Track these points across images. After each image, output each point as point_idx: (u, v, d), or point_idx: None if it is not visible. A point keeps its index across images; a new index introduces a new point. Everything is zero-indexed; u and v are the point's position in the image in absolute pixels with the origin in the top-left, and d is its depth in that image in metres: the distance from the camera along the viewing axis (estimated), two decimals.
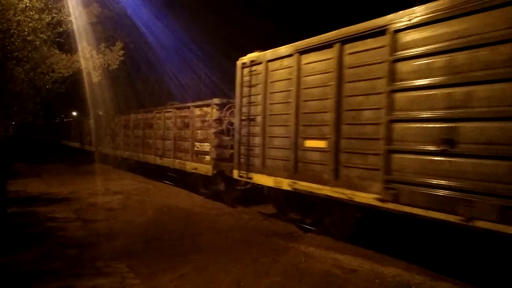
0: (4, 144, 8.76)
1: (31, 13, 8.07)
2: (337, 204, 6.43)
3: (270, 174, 7.70)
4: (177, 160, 12.22)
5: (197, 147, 10.98)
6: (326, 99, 6.44)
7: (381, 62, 5.50)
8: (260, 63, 8.09)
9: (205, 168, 10.45)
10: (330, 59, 6.37)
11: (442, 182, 4.68)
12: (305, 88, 6.94)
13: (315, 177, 6.60)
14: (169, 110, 13.01)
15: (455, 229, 4.68)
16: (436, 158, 4.79)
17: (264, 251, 6.20)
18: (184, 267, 5.40)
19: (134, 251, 6.05)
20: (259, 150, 8.03)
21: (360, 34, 5.87)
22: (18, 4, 7.79)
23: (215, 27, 19.80)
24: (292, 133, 7.12)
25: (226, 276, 5.09)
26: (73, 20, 9.60)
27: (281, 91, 7.52)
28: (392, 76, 5.31)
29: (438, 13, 4.82)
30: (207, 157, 10.38)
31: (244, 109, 8.56)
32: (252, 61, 8.35)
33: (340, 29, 6.21)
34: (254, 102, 8.27)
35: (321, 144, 6.53)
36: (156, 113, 14.04)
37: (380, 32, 5.54)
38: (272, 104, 7.77)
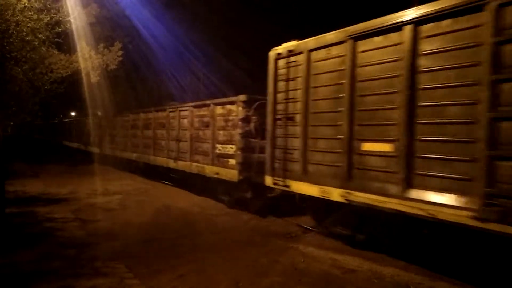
0: (3, 144, 8.75)
1: (30, 13, 8.08)
2: (404, 219, 5.29)
3: (314, 182, 6.62)
4: (194, 164, 11.03)
5: (219, 150, 9.86)
6: (392, 93, 5.37)
7: (477, 45, 4.47)
8: (300, 53, 7.03)
9: (229, 173, 9.31)
10: (398, 44, 5.34)
11: None
12: (362, 81, 5.84)
13: (377, 188, 5.51)
14: (185, 108, 11.79)
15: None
16: None
17: (263, 251, 6.20)
18: (183, 267, 5.40)
19: (133, 251, 6.06)
20: (298, 154, 6.96)
21: (443, 12, 4.80)
22: (16, 4, 7.79)
23: (214, 27, 19.81)
24: (344, 134, 6.03)
25: (225, 276, 5.10)
26: (72, 20, 9.60)
27: (329, 85, 6.43)
28: (497, 61, 4.26)
29: None
30: (232, 161, 9.28)
31: (279, 107, 7.53)
32: (290, 51, 7.27)
33: (412, 8, 5.16)
34: (292, 99, 7.22)
35: (385, 147, 5.47)
36: (170, 111, 12.84)
37: (475, 8, 4.48)
38: (316, 100, 6.70)
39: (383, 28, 5.55)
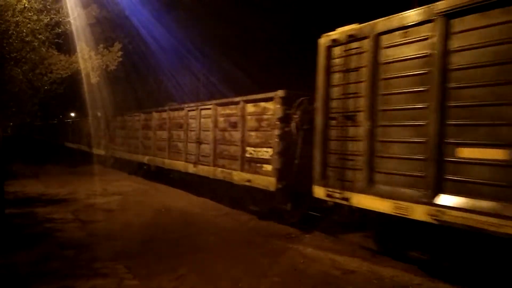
0: (2, 144, 8.75)
1: (30, 14, 8.08)
2: None
3: (384, 195, 5.40)
4: (219, 169, 9.76)
5: (250, 153, 8.67)
6: (507, 83, 4.26)
7: None
8: (364, 38, 5.85)
9: (264, 180, 8.10)
10: None
11: None
12: (458, 69, 4.71)
13: (488, 207, 4.35)
14: (208, 106, 10.52)
15: None
16: None
17: (263, 252, 6.20)
18: (183, 267, 5.39)
19: (132, 252, 6.05)
20: (362, 161, 5.77)
21: None
22: (16, 5, 7.80)
23: (214, 27, 19.82)
24: (430, 137, 4.90)
25: (224, 277, 5.09)
26: (72, 21, 9.60)
27: (406, 75, 5.28)
28: None
29: None
30: (267, 167, 8.10)
31: (334, 104, 6.37)
32: (350, 36, 6.07)
33: None
34: (353, 93, 6.03)
35: (497, 154, 4.34)
36: (189, 110, 11.59)
37: None
38: (387, 94, 5.50)
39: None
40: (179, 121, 12.24)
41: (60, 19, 9.04)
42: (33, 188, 12.37)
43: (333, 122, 6.39)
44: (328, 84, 6.50)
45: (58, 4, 8.99)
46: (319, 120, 6.63)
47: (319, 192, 6.58)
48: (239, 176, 8.96)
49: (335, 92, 6.38)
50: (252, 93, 9.05)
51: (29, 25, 8.09)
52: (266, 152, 8.21)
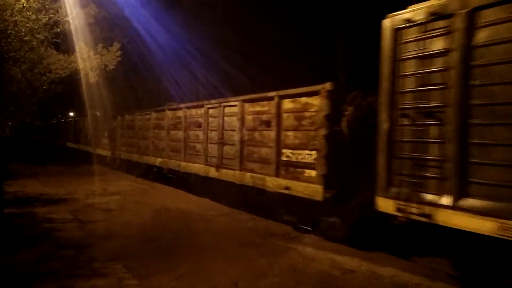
0: (2, 145, 8.74)
1: (28, 14, 8.08)
2: None
3: (484, 212, 4.30)
4: (248, 174, 8.61)
5: (287, 156, 7.56)
6: None
7: None
8: (450, 16, 4.76)
9: (306, 188, 6.97)
10: None
11: None
12: None
13: None
14: (232, 103, 9.40)
15: None
16: None
17: (262, 252, 6.20)
18: (182, 268, 5.39)
19: (131, 252, 6.04)
20: (451, 168, 4.66)
21: None
22: (15, 4, 7.79)
23: (213, 27, 19.81)
24: None
25: (223, 277, 5.09)
26: (71, 21, 9.59)
27: None
28: None
29: None
30: (310, 172, 7.01)
31: (406, 97, 5.25)
32: (432, 13, 4.92)
33: None
34: (435, 84, 4.92)
35: None
36: (209, 108, 10.42)
37: None
38: (486, 85, 4.40)
39: None
40: (198, 119, 11.05)
41: (59, 19, 9.03)
42: (32, 188, 12.36)
43: (405, 120, 5.25)
44: (396, 74, 5.38)
45: (56, 4, 8.99)
46: (384, 117, 5.44)
47: (385, 205, 5.35)
48: (274, 183, 7.82)
49: (407, 83, 5.24)
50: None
51: (27, 25, 8.08)
52: (308, 155, 7.09)
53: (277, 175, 7.78)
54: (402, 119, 5.30)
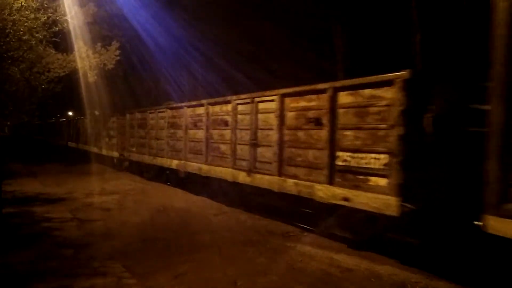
0: (0, 144, 8.74)
1: (27, 13, 8.07)
2: None
3: None
4: (290, 180, 7.36)
5: (345, 161, 6.29)
6: None
7: None
8: None
9: (374, 200, 5.69)
10: None
11: None
12: None
13: None
14: (269, 98, 8.14)
15: None
16: None
17: (261, 251, 6.20)
18: (181, 266, 5.39)
19: (130, 251, 6.05)
20: None
21: None
22: (13, 3, 7.79)
23: (213, 26, 19.81)
24: None
25: (222, 276, 5.10)
26: (69, 20, 9.58)
27: None
28: None
29: None
30: (379, 180, 5.72)
31: None
32: None
33: None
34: None
35: None
36: (238, 104, 9.15)
37: None
38: None
39: None
40: (223, 117, 9.78)
41: (57, 18, 9.03)
42: (31, 187, 12.35)
43: None
44: None
45: (55, 3, 8.99)
46: (496, 111, 4.19)
47: (499, 227, 4.14)
48: (326, 192, 6.56)
49: None
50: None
51: (26, 24, 8.08)
52: (375, 160, 5.82)
53: (331, 182, 6.52)
54: None
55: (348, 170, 6.26)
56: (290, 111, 7.61)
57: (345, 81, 6.57)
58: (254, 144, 8.52)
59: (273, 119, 7.95)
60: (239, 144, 9.08)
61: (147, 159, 14.32)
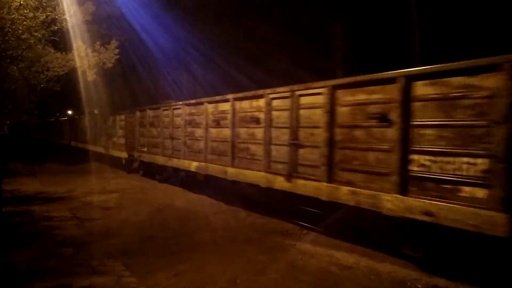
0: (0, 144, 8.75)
1: (26, 11, 8.06)
2: None
3: None
4: (345, 188, 6.15)
5: (423, 166, 5.13)
6: None
7: None
8: None
9: (471, 216, 4.54)
10: None
11: None
12: None
13: None
14: (314, 91, 6.94)
15: None
16: None
17: (260, 249, 6.21)
18: (181, 265, 5.40)
19: (130, 250, 6.05)
20: None
21: None
22: (12, 2, 7.78)
23: (212, 26, 19.79)
24: None
25: (222, 274, 5.10)
26: (68, 19, 9.58)
27: None
28: None
29: None
30: (473, 192, 4.63)
31: None
32: None
33: None
34: None
35: None
36: (273, 98, 7.90)
37: None
38: None
39: None
40: (253, 114, 8.50)
41: (56, 17, 9.02)
42: (30, 186, 12.34)
43: None
44: None
45: (54, 2, 8.98)
46: None
47: None
48: (398, 204, 5.35)
49: None
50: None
51: (25, 23, 8.07)
52: (468, 165, 4.74)
53: (404, 192, 5.33)
54: None
55: (427, 178, 5.11)
56: (343, 106, 6.39)
57: (423, 68, 5.35)
58: (295, 144, 7.32)
59: (320, 115, 6.75)
60: (275, 144, 7.88)
61: (160, 160, 13.06)
